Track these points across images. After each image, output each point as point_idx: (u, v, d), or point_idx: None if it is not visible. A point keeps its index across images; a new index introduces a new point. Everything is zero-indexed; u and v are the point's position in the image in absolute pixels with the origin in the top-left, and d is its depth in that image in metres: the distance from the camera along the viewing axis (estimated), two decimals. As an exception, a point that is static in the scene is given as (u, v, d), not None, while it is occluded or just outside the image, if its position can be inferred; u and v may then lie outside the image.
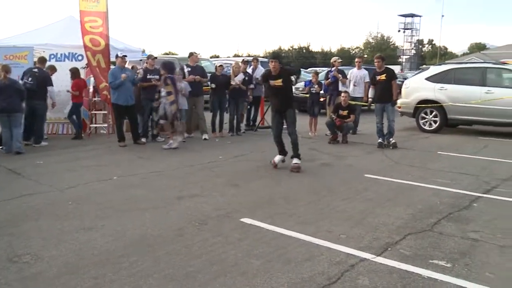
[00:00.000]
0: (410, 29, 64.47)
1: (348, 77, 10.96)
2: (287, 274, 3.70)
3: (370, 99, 9.43)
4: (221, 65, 10.87)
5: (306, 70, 23.63)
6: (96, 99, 11.14)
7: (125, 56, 9.63)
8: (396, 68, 47.23)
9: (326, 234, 4.59)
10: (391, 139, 9.36)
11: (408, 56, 61.15)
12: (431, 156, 8.68)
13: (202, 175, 7.11)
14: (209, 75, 10.94)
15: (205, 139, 10.28)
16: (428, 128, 11.55)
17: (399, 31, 64.44)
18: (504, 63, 12.37)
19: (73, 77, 10.27)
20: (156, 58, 10.47)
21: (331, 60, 11.44)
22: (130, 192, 6.12)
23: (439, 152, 9.00)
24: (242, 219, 4.97)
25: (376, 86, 9.32)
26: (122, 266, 3.84)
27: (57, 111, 10.46)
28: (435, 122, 11.46)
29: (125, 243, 4.36)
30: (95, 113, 11.42)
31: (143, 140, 9.86)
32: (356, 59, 11.34)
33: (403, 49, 63.80)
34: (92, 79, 10.89)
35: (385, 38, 64.19)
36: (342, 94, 10.02)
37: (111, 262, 3.91)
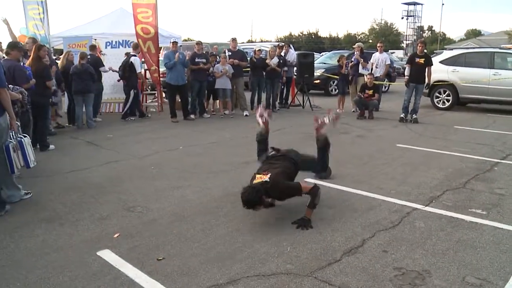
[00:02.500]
0: (413, 16, 63.85)
1: (371, 60, 11.23)
2: (358, 219, 4.15)
3: (406, 77, 9.67)
4: (260, 49, 11.16)
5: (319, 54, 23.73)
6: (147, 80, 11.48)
7: (176, 42, 9.96)
8: (400, 53, 47.09)
9: (378, 190, 5.01)
10: (414, 115, 9.69)
11: (410, 42, 60.66)
12: (449, 129, 9.00)
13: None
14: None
15: (246, 115, 10.65)
16: (441, 106, 11.88)
17: (402, 18, 64.04)
18: (508, 48, 12.61)
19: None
20: (201, 43, 10.76)
21: (354, 46, 11.71)
22: (198, 159, 6.54)
23: (455, 126, 9.31)
24: (305, 179, 5.37)
25: (412, 67, 9.59)
26: (220, 214, 4.30)
27: (114, 91, 10.87)
28: (448, 100, 11.78)
29: (214, 197, 4.81)
30: (146, 93, 11.79)
31: (192, 116, 10.26)
32: (378, 44, 11.59)
33: (406, 35, 63.27)
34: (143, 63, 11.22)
35: (388, 24, 63.73)
36: (368, 76, 10.33)
37: (209, 212, 4.37)
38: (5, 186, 4.62)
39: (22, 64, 6.37)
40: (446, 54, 12.09)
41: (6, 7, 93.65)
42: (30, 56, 6.84)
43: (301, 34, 67.19)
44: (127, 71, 10.04)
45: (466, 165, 6.13)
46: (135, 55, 10.21)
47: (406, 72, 9.75)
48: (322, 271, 3.16)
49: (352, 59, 11.48)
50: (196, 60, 10.07)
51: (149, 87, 12.57)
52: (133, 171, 5.92)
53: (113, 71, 10.50)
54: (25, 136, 5.17)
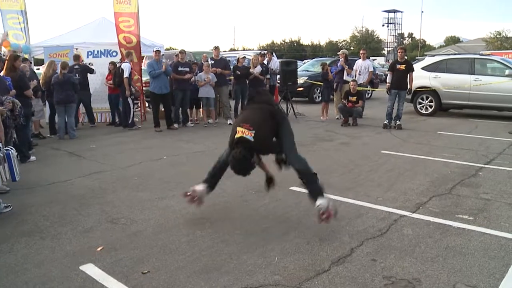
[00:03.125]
0: (393, 23, 64.89)
1: (354, 67, 11.31)
2: (345, 227, 4.11)
3: (388, 84, 9.76)
4: (243, 57, 11.15)
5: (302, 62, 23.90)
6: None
7: (159, 50, 9.88)
8: (381, 59, 47.72)
9: (365, 197, 5.00)
10: (397, 122, 9.77)
11: (391, 48, 61.56)
12: (433, 135, 9.09)
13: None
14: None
15: (229, 123, 10.57)
16: (424, 112, 12.01)
17: (383, 25, 64.93)
18: (488, 55, 12.87)
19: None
20: (185, 52, 10.71)
21: (339, 53, 11.78)
22: (182, 168, 6.46)
23: (438, 132, 9.41)
24: (291, 188, 5.34)
25: (393, 74, 9.67)
26: (206, 225, 4.22)
27: (96, 101, 10.72)
28: (430, 106, 11.92)
29: (199, 208, 4.71)
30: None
31: (176, 125, 10.16)
32: (361, 51, 11.70)
33: (387, 42, 64.21)
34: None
35: (369, 32, 64.60)
36: (351, 82, 10.39)
37: (195, 223, 4.29)
38: (-16, 200, 4.48)
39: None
40: (428, 60, 12.26)
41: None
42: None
43: (283, 42, 67.64)
44: (117, 77, 9.92)
45: (451, 171, 6.17)
46: (126, 62, 10.08)
47: (388, 79, 9.83)
48: (310, 282, 3.10)
49: (337, 66, 11.55)
50: (179, 69, 10.00)
51: (132, 96, 12.38)
52: (116, 182, 5.80)
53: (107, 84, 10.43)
54: (11, 149, 5.07)
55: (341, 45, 61.82)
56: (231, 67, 11.19)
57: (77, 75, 9.79)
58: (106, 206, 4.78)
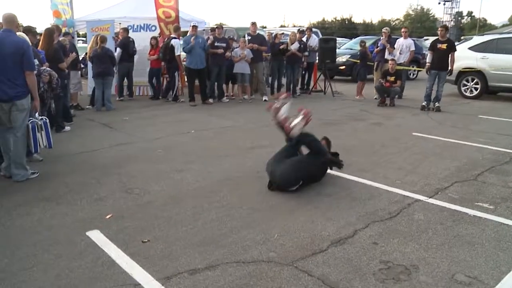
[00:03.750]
0: (450, 1, 61.17)
1: (395, 45, 10.82)
2: (354, 209, 4.01)
3: (428, 64, 9.27)
4: (282, 33, 10.96)
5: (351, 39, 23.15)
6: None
7: (196, 26, 9.89)
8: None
9: (383, 179, 4.83)
10: (436, 103, 9.31)
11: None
12: (473, 119, 8.59)
13: (267, 130, 7.34)
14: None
15: (265, 100, 10.52)
16: (469, 95, 11.31)
17: (439, 3, 61.22)
18: None
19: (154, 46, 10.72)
20: (221, 27, 10.68)
21: (383, 30, 11.29)
22: (207, 143, 6.52)
23: (480, 116, 8.87)
24: (308, 167, 5.26)
25: (434, 53, 9.16)
26: (214, 199, 4.25)
27: (135, 75, 10.96)
28: (476, 89, 11.19)
29: (213, 181, 4.77)
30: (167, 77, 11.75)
31: (211, 100, 10.24)
32: (403, 29, 11.16)
33: (443, 21, 60.71)
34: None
35: (425, 10, 61.37)
36: (390, 62, 9.98)
37: (204, 196, 4.33)
38: (14, 165, 4.75)
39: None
40: (476, 40, 11.44)
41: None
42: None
43: (334, 20, 65.88)
44: (167, 53, 10.10)
45: (483, 156, 5.82)
46: (175, 38, 10.22)
47: (428, 59, 9.29)
48: (304, 261, 3.06)
49: (379, 45, 11.12)
50: (216, 44, 9.99)
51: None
52: (140, 153, 5.95)
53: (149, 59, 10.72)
54: (46, 118, 5.41)
55: (394, 23, 59.29)
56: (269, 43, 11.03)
57: (135, 47, 10.39)
58: (124, 177, 4.93)
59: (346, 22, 63.25)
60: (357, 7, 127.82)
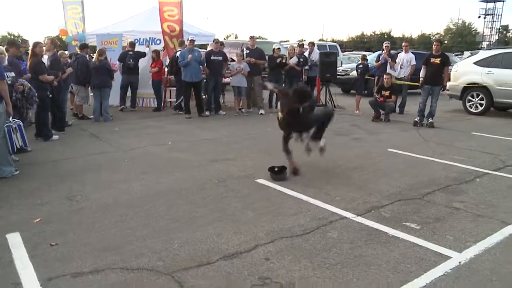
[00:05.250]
0: (491, 14, 58.79)
1: (396, 60, 10.68)
2: (271, 224, 4.03)
3: (421, 79, 9.11)
4: (278, 48, 11.07)
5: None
6: (170, 77, 11.83)
7: (193, 40, 10.18)
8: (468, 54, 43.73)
9: (323, 196, 4.80)
10: (430, 119, 9.09)
11: (489, 42, 55.91)
12: (463, 136, 8.32)
13: (245, 143, 7.50)
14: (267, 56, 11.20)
15: (261, 113, 10.63)
16: (474, 111, 10.94)
17: (479, 17, 59.13)
18: None
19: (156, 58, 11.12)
20: (219, 41, 10.93)
21: (384, 44, 11.19)
22: (177, 155, 6.69)
23: (472, 133, 8.57)
24: (257, 180, 5.33)
25: (427, 68, 9.01)
26: (142, 209, 4.39)
27: (140, 87, 11.39)
28: (481, 105, 10.81)
29: (153, 192, 4.92)
30: (170, 89, 12.13)
31: (207, 113, 10.46)
32: (403, 43, 11.02)
33: (484, 35, 58.45)
34: (168, 60, 11.60)
35: (466, 24, 59.36)
36: (385, 76, 9.85)
37: (135, 205, 4.49)
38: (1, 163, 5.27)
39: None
40: (482, 54, 11.10)
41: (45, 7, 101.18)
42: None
43: (373, 34, 65.07)
44: (174, 65, 10.48)
45: (446, 175, 5.66)
46: (180, 50, 10.59)
47: (422, 74, 9.11)
48: (184, 272, 3.14)
49: (380, 59, 11.02)
50: (212, 57, 10.24)
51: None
52: (107, 163, 6.21)
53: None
54: (20, 122, 6.11)
55: (434, 38, 57.67)
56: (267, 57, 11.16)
57: (131, 60, 10.72)
58: (76, 184, 5.18)
59: (385, 36, 62.29)
60: (397, 21, 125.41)
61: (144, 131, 8.63)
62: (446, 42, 52.28)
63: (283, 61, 10.71)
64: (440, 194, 4.93)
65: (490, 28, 59.13)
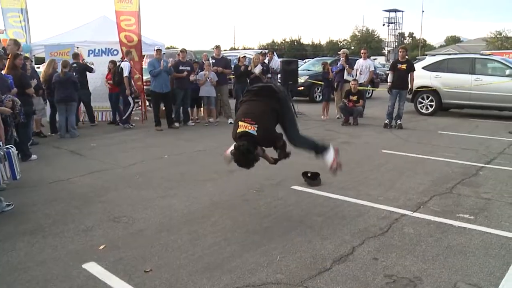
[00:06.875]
0: (394, 23, 64.89)
1: (355, 66, 11.33)
2: (346, 226, 4.13)
3: (389, 84, 9.79)
4: (244, 56, 11.16)
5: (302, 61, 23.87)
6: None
7: (160, 49, 9.87)
8: (382, 59, 47.73)
9: (366, 196, 5.01)
10: (398, 121, 9.79)
11: (391, 48, 61.49)
12: (434, 135, 9.10)
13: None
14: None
15: (230, 123, 10.57)
16: (425, 112, 12.04)
17: (383, 25, 65.04)
18: (488, 55, 12.92)
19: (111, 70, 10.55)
20: (185, 51, 10.71)
21: (340, 52, 11.81)
22: (185, 168, 6.46)
23: (439, 132, 9.43)
24: (292, 187, 5.37)
25: (395, 73, 9.69)
26: (207, 224, 4.23)
27: (97, 100, 10.73)
28: (431, 106, 11.94)
29: (200, 206, 4.74)
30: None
31: (176, 124, 10.18)
32: (362, 51, 11.73)
33: (387, 42, 64.14)
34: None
35: (370, 31, 64.50)
36: (352, 82, 10.41)
37: (197, 221, 4.29)
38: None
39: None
40: (429, 60, 12.29)
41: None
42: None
43: (283, 41, 67.56)
44: (117, 76, 9.94)
45: (452, 170, 6.18)
46: (126, 61, 10.10)
47: (389, 79, 9.85)
48: (312, 280, 3.12)
49: (338, 66, 11.59)
50: (180, 68, 10.02)
51: (133, 95, 12.42)
52: (118, 180, 5.82)
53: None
54: (12, 147, 5.08)
55: (341, 44, 61.76)
56: (232, 66, 11.19)
57: (75, 73, 9.66)
58: (108, 205, 4.80)
59: (295, 43, 65.08)
60: (306, 29, 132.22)
61: (126, 146, 8.17)
62: (353, 48, 56.18)
63: (249, 69, 10.79)
64: (463, 187, 5.38)
65: (394, 35, 64.96)
